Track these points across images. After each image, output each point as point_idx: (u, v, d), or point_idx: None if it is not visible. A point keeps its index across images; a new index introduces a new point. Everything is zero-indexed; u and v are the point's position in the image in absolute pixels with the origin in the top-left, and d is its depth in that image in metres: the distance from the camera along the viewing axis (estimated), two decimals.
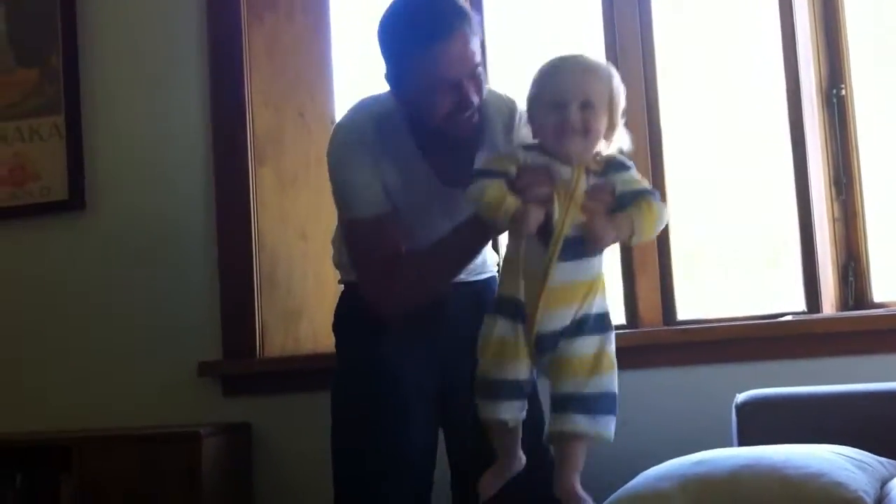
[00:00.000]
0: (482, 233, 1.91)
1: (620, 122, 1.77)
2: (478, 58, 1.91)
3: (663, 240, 2.66)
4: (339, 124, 2.07)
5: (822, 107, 2.63)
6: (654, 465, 1.91)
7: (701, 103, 2.79)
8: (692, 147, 2.76)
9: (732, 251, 2.75)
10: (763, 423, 2.14)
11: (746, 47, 2.76)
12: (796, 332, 2.42)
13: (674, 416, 2.42)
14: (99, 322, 2.83)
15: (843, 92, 2.61)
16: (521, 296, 1.71)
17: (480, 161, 1.88)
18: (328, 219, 2.35)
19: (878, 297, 2.57)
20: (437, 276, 2.00)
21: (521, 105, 2.03)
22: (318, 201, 2.89)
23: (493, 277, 2.23)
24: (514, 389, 1.74)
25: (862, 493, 1.63)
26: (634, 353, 2.35)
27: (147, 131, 2.85)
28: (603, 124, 1.73)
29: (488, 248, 2.22)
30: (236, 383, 2.74)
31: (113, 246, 2.84)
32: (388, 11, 1.96)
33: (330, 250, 2.26)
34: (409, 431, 2.05)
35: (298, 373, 2.67)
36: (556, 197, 1.70)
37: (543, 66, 1.79)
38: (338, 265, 2.25)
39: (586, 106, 1.71)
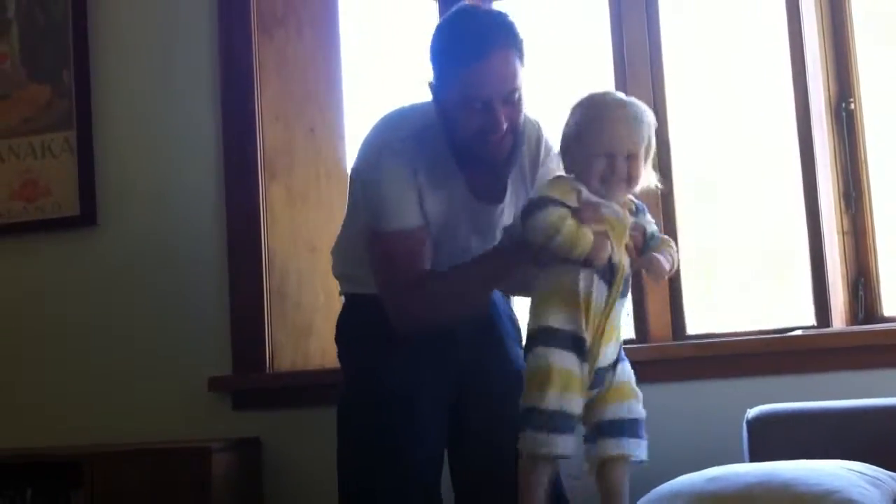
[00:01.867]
0: (511, 264, 1.93)
1: (651, 160, 1.82)
2: (516, 83, 1.91)
3: None
4: (381, 134, 2.06)
5: (831, 121, 2.63)
6: (664, 481, 1.91)
7: (709, 117, 2.79)
8: (701, 161, 2.76)
9: (742, 265, 2.75)
10: (774, 438, 2.13)
11: (755, 61, 2.77)
12: (806, 347, 2.41)
13: (684, 432, 2.41)
14: (109, 337, 2.84)
15: (853, 106, 2.61)
16: (584, 332, 1.74)
17: (541, 186, 1.85)
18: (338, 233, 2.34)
19: (888, 311, 2.56)
20: (460, 302, 2.01)
21: (546, 131, 2.07)
22: (328, 215, 2.90)
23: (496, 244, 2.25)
24: (576, 424, 1.75)
25: None
26: (644, 368, 2.33)
27: (158, 147, 2.87)
28: (643, 171, 1.79)
29: None
30: (246, 398, 2.75)
31: (123, 261, 2.85)
32: (442, 21, 2.00)
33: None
34: (419, 448, 2.04)
35: (308, 387, 2.67)
36: (612, 236, 1.75)
37: (591, 109, 1.80)
38: (339, 276, 2.23)
39: (631, 157, 1.76)
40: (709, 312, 2.68)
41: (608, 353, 1.75)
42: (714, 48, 2.82)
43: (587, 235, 1.71)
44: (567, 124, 1.82)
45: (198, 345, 2.77)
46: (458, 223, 2.05)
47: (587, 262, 1.72)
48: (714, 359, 2.46)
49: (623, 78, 2.74)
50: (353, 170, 2.11)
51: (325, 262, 2.80)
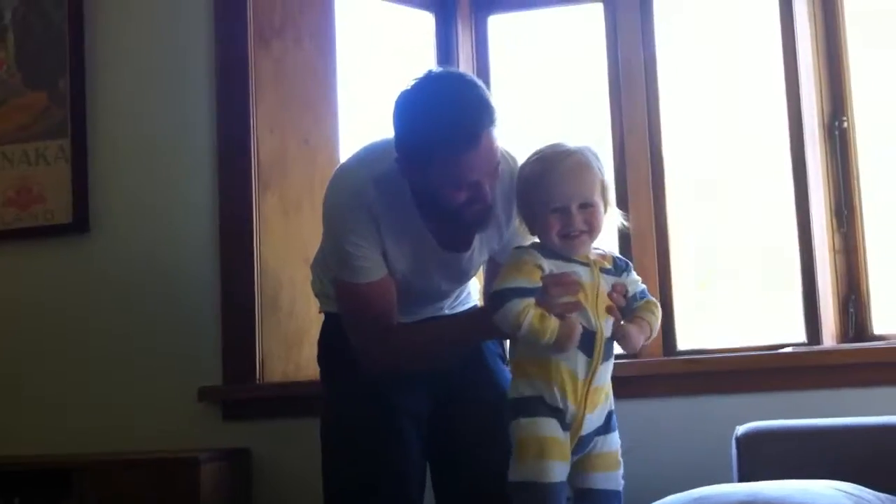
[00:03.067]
0: (486, 332, 1.93)
1: (612, 201, 1.79)
2: (499, 153, 1.88)
3: (664, 271, 2.67)
4: (339, 183, 2.02)
5: (824, 139, 2.64)
6: (652, 498, 1.90)
7: (703, 136, 2.80)
8: (694, 179, 2.77)
9: (733, 282, 2.75)
10: (763, 455, 2.13)
11: (748, 79, 2.78)
12: (797, 364, 2.42)
13: (673, 447, 2.42)
14: (99, 346, 2.83)
15: (846, 124, 2.62)
16: (559, 402, 1.72)
17: (504, 272, 1.77)
18: (317, 249, 2.34)
19: (878, 329, 2.57)
20: (429, 358, 2.01)
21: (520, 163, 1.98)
22: (321, 227, 2.90)
23: (475, 307, 2.24)
24: (562, 494, 1.72)
25: None
26: (634, 383, 2.35)
27: (152, 155, 2.86)
28: (602, 216, 1.76)
29: (472, 280, 2.24)
30: (237, 408, 2.74)
31: (115, 270, 2.85)
32: (412, 98, 1.87)
33: None
34: (403, 463, 2.05)
35: (299, 398, 2.65)
36: (584, 302, 1.73)
37: (536, 165, 1.78)
38: (318, 294, 2.23)
39: (585, 206, 1.73)
40: (700, 329, 2.68)
41: (592, 420, 1.74)
42: (707, 65, 2.83)
43: (551, 325, 1.68)
44: (517, 185, 1.81)
45: (189, 354, 2.76)
46: (427, 269, 2.04)
47: (557, 348, 1.69)
48: (704, 375, 2.46)
49: (618, 95, 2.75)
50: (323, 204, 2.05)
51: None
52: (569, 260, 1.75)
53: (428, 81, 1.89)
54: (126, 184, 2.87)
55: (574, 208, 1.73)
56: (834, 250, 2.60)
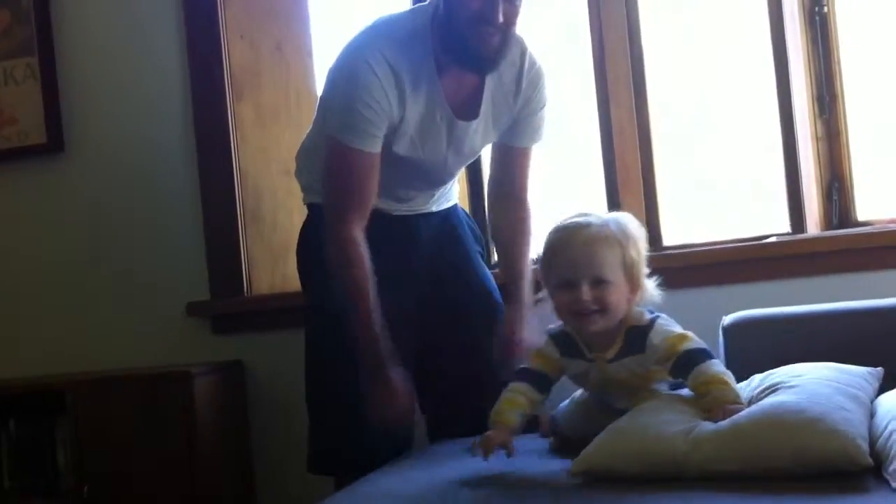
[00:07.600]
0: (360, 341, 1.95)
1: (644, 276, 1.72)
2: None
3: (648, 166, 2.66)
4: (365, 42, 1.99)
5: (805, 24, 2.60)
6: None
7: (684, 26, 2.76)
8: (675, 71, 2.73)
9: (717, 174, 2.74)
10: (750, 344, 2.15)
11: None
12: (781, 253, 2.43)
13: None
14: (84, 266, 2.82)
15: (826, 8, 2.59)
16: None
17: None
18: (305, 137, 2.30)
19: (861, 215, 2.58)
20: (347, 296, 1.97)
21: (529, 47, 2.05)
22: (300, 136, 2.85)
23: (456, 205, 2.27)
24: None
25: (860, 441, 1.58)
26: None
27: (123, 70, 2.81)
28: (621, 294, 1.68)
29: (455, 181, 2.24)
30: (226, 322, 2.75)
31: (94, 187, 2.82)
32: None
33: None
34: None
35: (287, 309, 2.65)
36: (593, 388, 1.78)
37: (551, 237, 1.74)
38: (303, 186, 2.20)
39: (598, 283, 1.67)
40: (684, 223, 2.69)
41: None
42: None
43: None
44: (540, 255, 1.77)
45: (174, 270, 2.76)
46: (437, 135, 2.03)
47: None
48: (690, 268, 2.47)
49: None
50: (330, 70, 2.04)
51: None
52: (574, 356, 1.76)
53: None
54: (98, 100, 2.82)
55: (585, 285, 1.67)
56: (816, 137, 2.59)
